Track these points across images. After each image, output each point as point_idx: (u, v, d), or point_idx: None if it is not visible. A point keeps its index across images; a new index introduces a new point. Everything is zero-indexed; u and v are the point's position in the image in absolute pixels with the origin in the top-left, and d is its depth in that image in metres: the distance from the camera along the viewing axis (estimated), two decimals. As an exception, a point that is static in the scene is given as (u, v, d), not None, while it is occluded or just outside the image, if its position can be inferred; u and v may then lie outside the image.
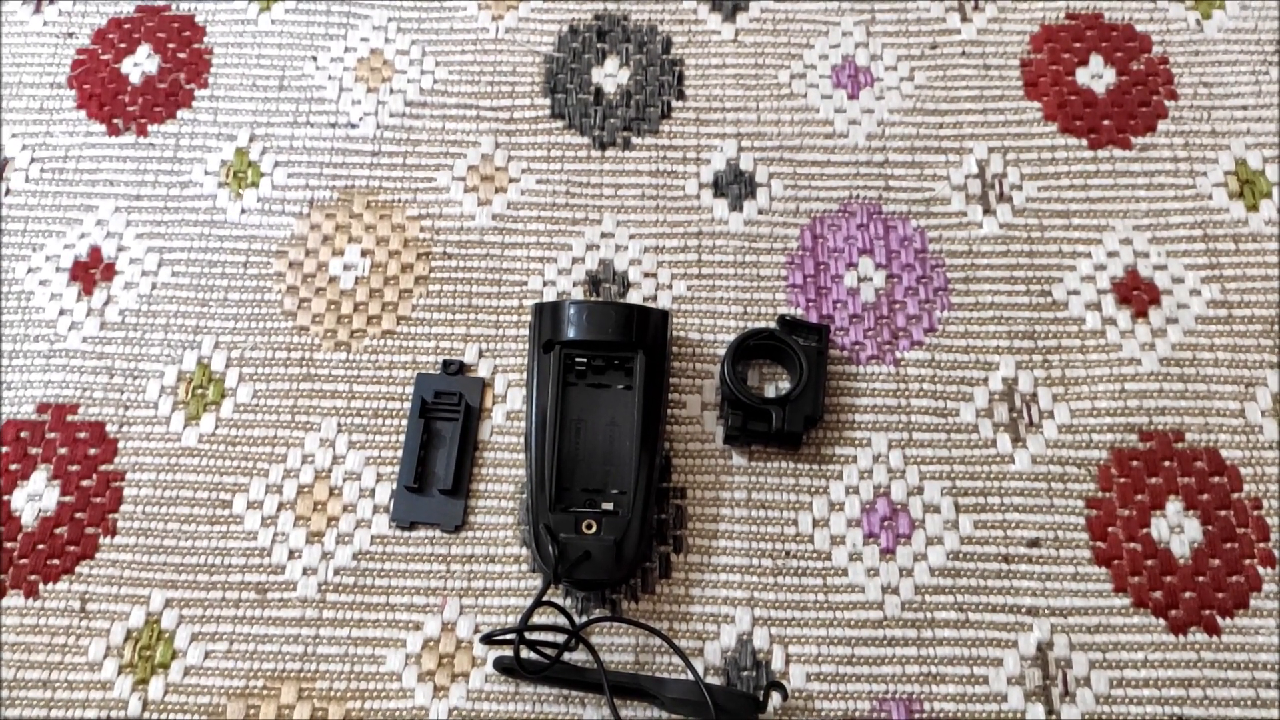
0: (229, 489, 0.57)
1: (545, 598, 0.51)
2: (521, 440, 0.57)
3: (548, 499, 0.53)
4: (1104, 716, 0.51)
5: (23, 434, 0.58)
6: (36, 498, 0.57)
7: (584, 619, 0.53)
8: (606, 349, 0.55)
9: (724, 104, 0.65)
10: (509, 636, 0.51)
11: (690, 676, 0.51)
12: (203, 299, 0.61)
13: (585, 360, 0.55)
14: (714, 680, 0.52)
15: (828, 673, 0.52)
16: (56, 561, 0.56)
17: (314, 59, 0.68)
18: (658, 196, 0.63)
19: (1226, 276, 0.60)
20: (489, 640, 0.52)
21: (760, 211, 0.62)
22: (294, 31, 0.69)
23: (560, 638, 0.51)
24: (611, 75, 0.67)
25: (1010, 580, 0.54)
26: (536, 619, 0.52)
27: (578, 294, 0.61)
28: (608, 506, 0.53)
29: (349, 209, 0.63)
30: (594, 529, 0.52)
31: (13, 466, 0.58)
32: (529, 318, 0.59)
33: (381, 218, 0.63)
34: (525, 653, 0.50)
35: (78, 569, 0.55)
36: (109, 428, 0.58)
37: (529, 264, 0.62)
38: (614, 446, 0.54)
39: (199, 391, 0.59)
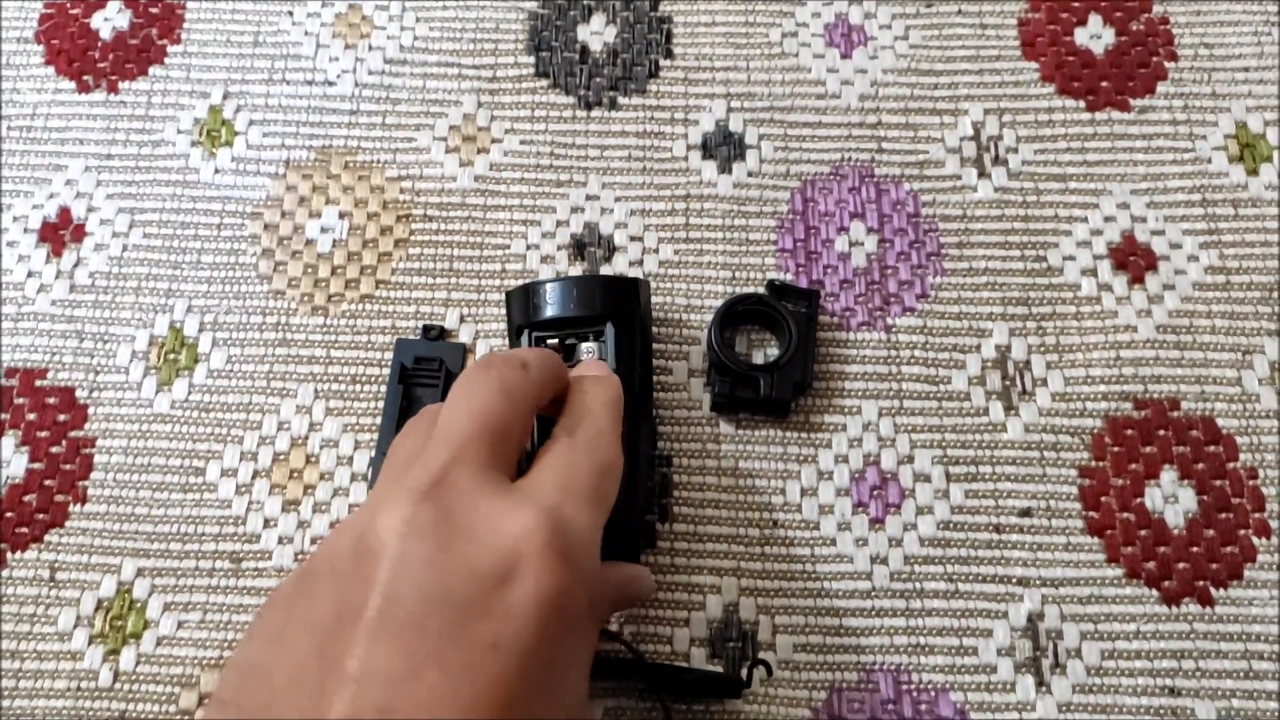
0: (202, 456, 0.55)
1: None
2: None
3: None
4: (1095, 688, 0.50)
5: (-11, 399, 0.57)
6: (4, 464, 0.55)
7: None
8: (576, 325, 0.52)
9: (713, 63, 0.63)
10: None
11: (675, 648, 0.51)
12: (175, 261, 0.60)
13: (558, 339, 0.53)
14: (699, 651, 0.51)
15: (815, 643, 0.51)
16: (25, 530, 0.54)
17: (290, 14, 0.66)
18: (644, 158, 0.61)
19: (1225, 242, 0.58)
20: None
21: (750, 174, 0.61)
22: (270, -14, 0.66)
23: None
24: (598, 33, 0.65)
25: (1001, 550, 0.53)
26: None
27: (562, 257, 0.59)
28: None
29: (326, 170, 0.62)
30: None
31: (-21, 432, 0.56)
32: (510, 285, 0.58)
33: (360, 179, 0.61)
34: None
35: (47, 537, 0.54)
36: (79, 393, 0.57)
37: (512, 227, 0.60)
38: None
39: (171, 356, 0.58)
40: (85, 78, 0.64)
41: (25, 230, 0.61)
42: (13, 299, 0.59)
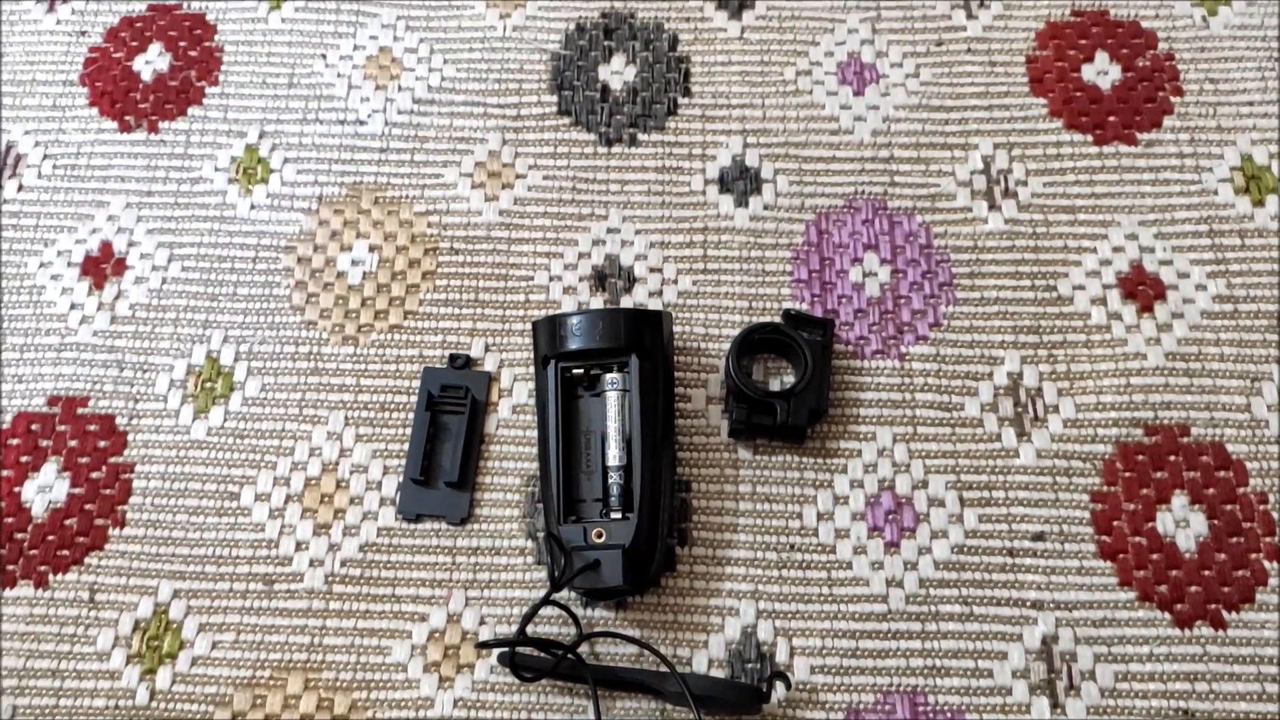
0: (237, 481, 0.57)
1: (551, 600, 0.51)
2: (526, 434, 0.58)
3: (558, 512, 0.53)
4: (1109, 710, 0.51)
5: (34, 426, 0.59)
6: (47, 489, 0.58)
7: (573, 637, 0.52)
8: (601, 356, 0.54)
9: (730, 101, 0.66)
10: (503, 649, 0.51)
11: (695, 669, 0.52)
12: (212, 294, 0.62)
13: (583, 370, 0.55)
14: (718, 673, 0.52)
15: (832, 665, 0.52)
16: (66, 552, 0.56)
17: (323, 57, 0.68)
18: (664, 192, 0.63)
19: (1232, 271, 0.60)
20: (485, 646, 0.53)
21: (766, 207, 0.63)
22: (304, 30, 0.69)
23: (562, 640, 0.51)
24: (618, 72, 0.67)
25: (1015, 574, 0.54)
26: (546, 619, 0.52)
27: (584, 289, 0.61)
28: (616, 515, 0.53)
29: (357, 205, 0.64)
30: (604, 537, 0.52)
31: (23, 458, 0.58)
32: (534, 315, 0.60)
33: (389, 214, 0.64)
34: (530, 650, 0.51)
35: (87, 560, 0.56)
36: (119, 420, 0.59)
37: (535, 259, 0.62)
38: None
39: (208, 385, 0.60)
40: (127, 118, 0.67)
41: (69, 264, 0.63)
42: (56, 330, 0.61)
